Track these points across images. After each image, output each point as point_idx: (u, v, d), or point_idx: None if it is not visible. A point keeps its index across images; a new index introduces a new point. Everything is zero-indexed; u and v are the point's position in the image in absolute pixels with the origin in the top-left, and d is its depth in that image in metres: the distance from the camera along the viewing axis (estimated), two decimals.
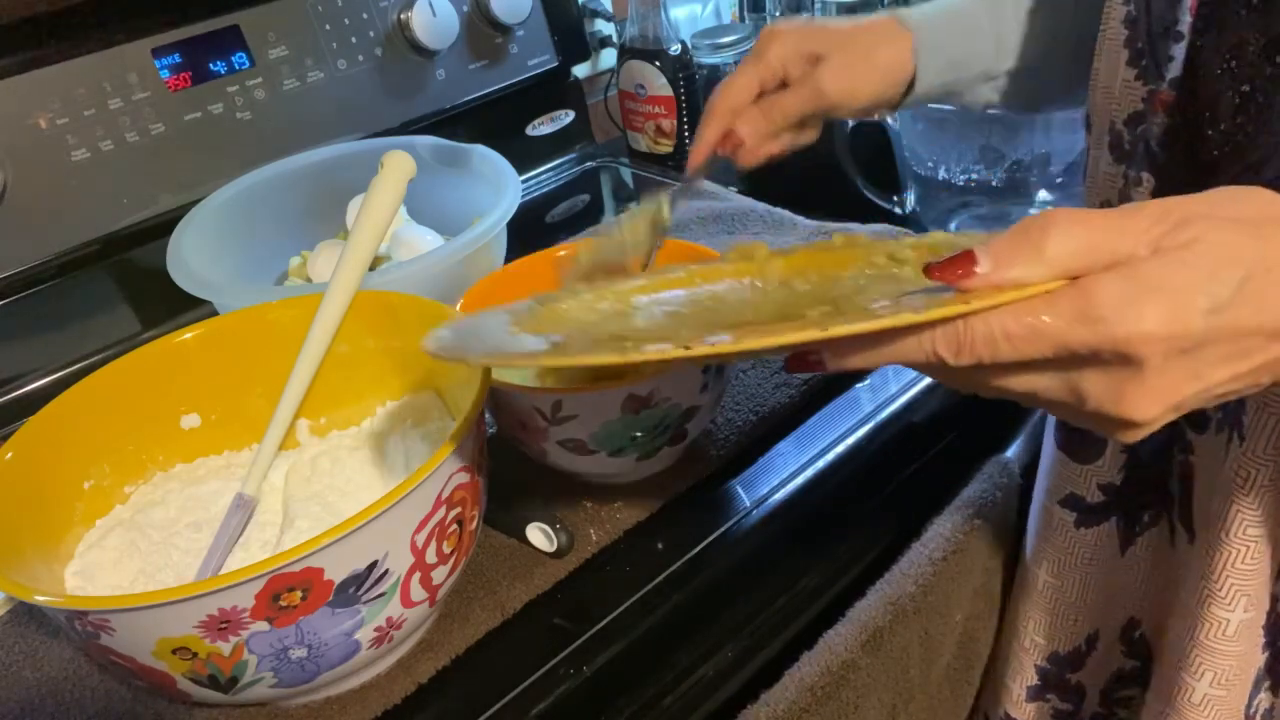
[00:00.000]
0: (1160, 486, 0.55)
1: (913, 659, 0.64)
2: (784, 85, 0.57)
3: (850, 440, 0.65)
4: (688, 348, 0.31)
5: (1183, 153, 0.45)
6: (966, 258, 0.30)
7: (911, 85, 0.57)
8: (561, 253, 0.65)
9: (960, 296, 0.30)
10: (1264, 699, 0.52)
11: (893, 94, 0.58)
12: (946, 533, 0.66)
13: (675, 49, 0.99)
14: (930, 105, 0.82)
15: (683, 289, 0.47)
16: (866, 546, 0.68)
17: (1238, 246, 0.29)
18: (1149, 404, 0.30)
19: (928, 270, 0.31)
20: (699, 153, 0.57)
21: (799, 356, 0.34)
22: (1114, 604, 0.62)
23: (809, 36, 0.56)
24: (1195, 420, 0.51)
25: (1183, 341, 0.29)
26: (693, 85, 1.01)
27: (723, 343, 0.31)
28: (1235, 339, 0.30)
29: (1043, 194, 0.84)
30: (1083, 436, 0.57)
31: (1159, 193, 0.47)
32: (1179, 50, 0.44)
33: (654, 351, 0.32)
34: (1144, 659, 0.61)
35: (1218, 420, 0.49)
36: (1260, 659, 0.51)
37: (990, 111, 0.80)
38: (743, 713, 0.56)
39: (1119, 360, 0.29)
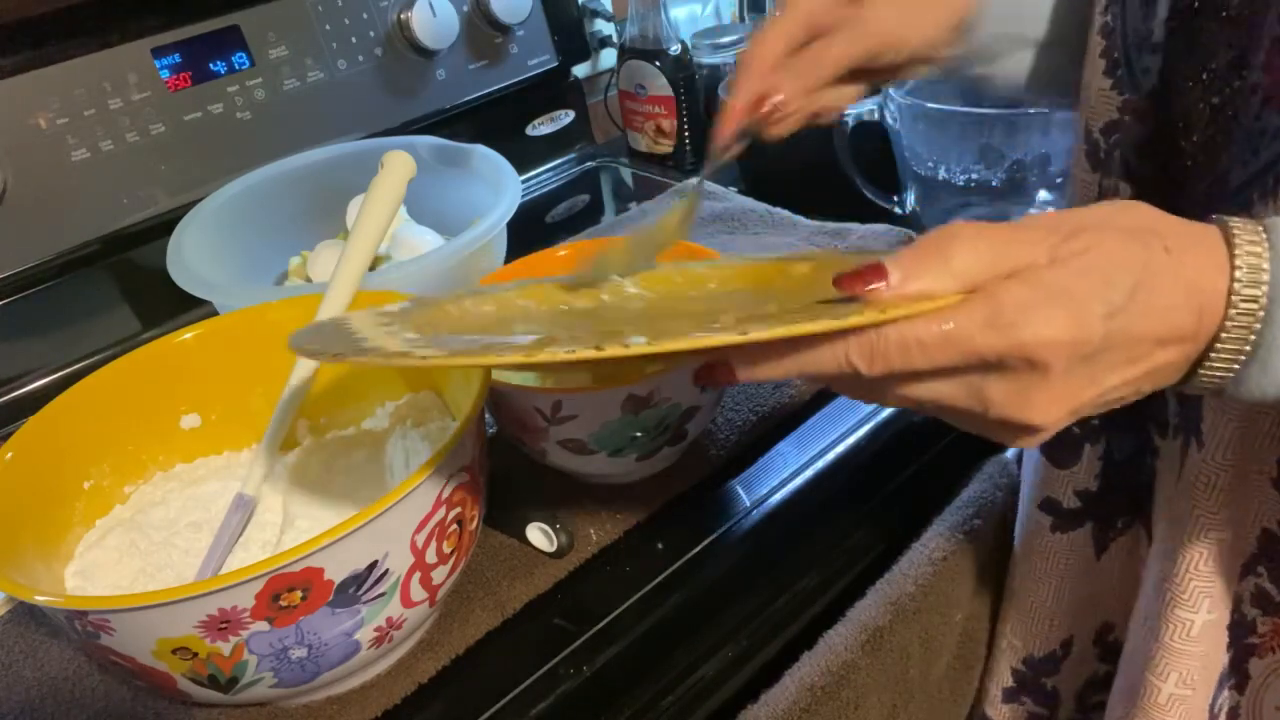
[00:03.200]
0: (1134, 493, 0.55)
1: (913, 659, 0.64)
2: (818, 38, 0.49)
3: (850, 440, 0.65)
4: (599, 348, 0.30)
5: (1156, 163, 0.46)
6: (876, 269, 0.31)
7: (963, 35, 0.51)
8: (561, 253, 0.65)
9: (874, 306, 0.30)
10: (1228, 697, 0.52)
11: (946, 39, 0.50)
12: (946, 533, 0.66)
13: (675, 49, 0.99)
14: (934, 105, 0.82)
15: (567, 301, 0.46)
16: (866, 546, 0.68)
17: (1127, 254, 0.31)
18: (1052, 409, 0.31)
19: (837, 282, 0.31)
20: (730, 121, 0.49)
21: (708, 368, 0.34)
22: (1089, 609, 0.62)
23: None
24: (1160, 425, 0.51)
25: (1084, 347, 0.30)
26: (693, 85, 1.01)
27: (637, 345, 0.30)
28: (1129, 345, 0.31)
29: (1043, 194, 0.84)
30: (1061, 440, 0.57)
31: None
32: (1155, 62, 0.44)
33: (561, 353, 0.30)
34: (1118, 664, 0.61)
35: (1174, 426, 0.49)
36: (1224, 658, 0.51)
37: (992, 109, 0.80)
38: (743, 713, 0.56)
39: (1025, 366, 0.30)
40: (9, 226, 0.75)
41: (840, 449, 0.65)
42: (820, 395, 0.68)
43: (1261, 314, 0.31)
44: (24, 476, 0.49)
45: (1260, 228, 0.32)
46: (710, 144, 0.50)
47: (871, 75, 0.51)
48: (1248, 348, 0.32)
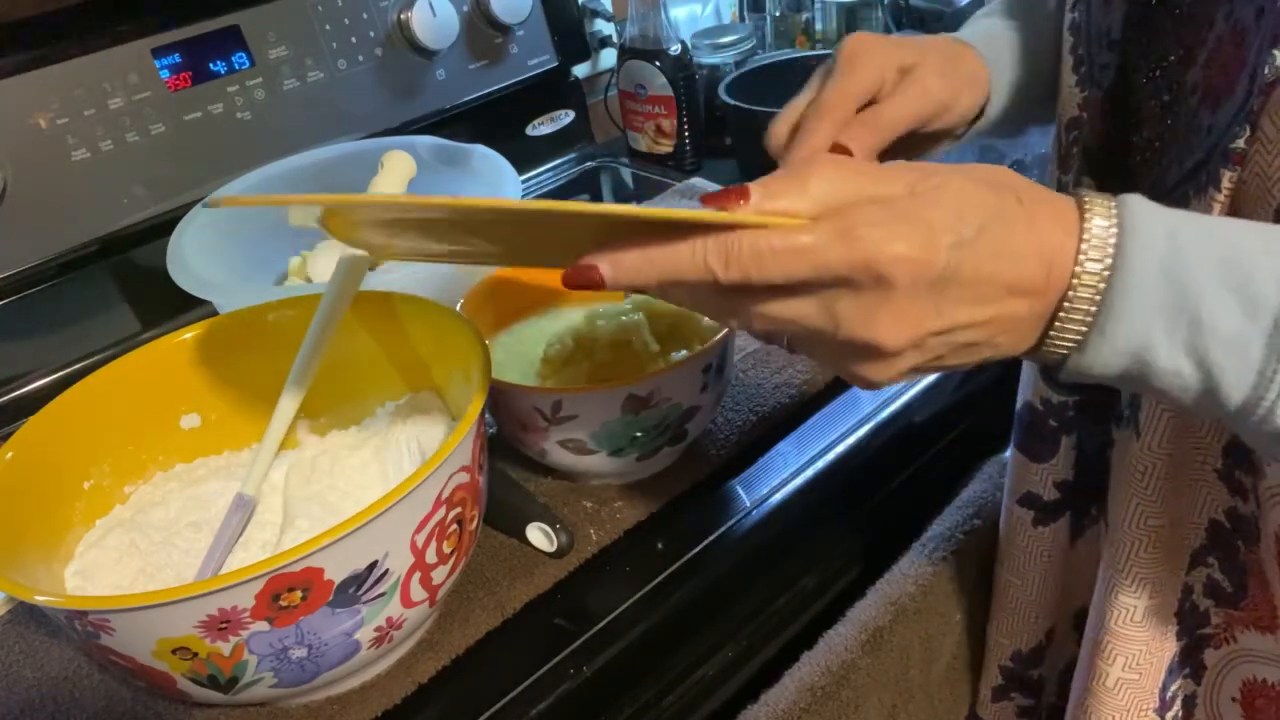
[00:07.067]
0: (1102, 483, 0.56)
1: (913, 659, 0.64)
2: (873, 102, 0.50)
3: (850, 440, 0.65)
4: (452, 200, 0.33)
5: (1113, 159, 0.46)
6: (740, 189, 0.33)
7: (982, 109, 0.54)
8: None
9: (728, 212, 0.33)
10: (1182, 685, 0.53)
11: (974, 113, 0.54)
12: (946, 533, 0.66)
13: (675, 49, 0.99)
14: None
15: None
16: (867, 546, 0.68)
17: (979, 196, 0.33)
18: (896, 330, 0.32)
19: (703, 199, 0.33)
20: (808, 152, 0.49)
21: (577, 269, 0.35)
22: (1067, 596, 0.63)
23: (898, 47, 0.51)
24: (1116, 416, 0.52)
25: (929, 269, 0.31)
26: (693, 85, 1.01)
27: (482, 197, 0.33)
28: (976, 282, 0.32)
29: None
30: (1040, 434, 0.58)
31: None
32: (1113, 58, 0.44)
33: (382, 196, 0.35)
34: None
35: (1126, 417, 0.50)
36: (1175, 647, 0.52)
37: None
38: (743, 713, 0.56)
39: (872, 281, 0.32)
40: (9, 226, 0.75)
41: (840, 449, 0.65)
42: (820, 395, 0.68)
43: (1103, 285, 0.32)
44: (24, 476, 0.49)
45: (1113, 202, 0.33)
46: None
47: (911, 148, 0.53)
48: (1093, 310, 0.33)
